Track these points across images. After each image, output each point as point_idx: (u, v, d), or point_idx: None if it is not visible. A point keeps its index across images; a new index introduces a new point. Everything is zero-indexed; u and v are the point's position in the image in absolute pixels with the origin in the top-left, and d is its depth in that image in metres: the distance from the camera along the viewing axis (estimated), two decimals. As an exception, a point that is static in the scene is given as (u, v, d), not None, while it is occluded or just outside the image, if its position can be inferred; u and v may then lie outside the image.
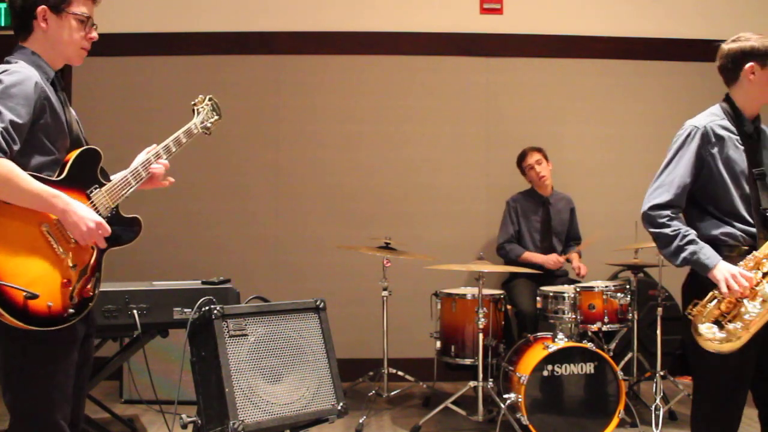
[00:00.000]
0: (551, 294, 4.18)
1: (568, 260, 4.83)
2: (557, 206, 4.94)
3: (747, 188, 2.61)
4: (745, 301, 2.49)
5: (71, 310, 2.12)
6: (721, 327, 2.50)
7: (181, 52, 5.24)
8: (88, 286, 2.19)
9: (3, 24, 5.25)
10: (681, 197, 2.64)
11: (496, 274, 5.02)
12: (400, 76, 5.34)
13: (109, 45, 5.09)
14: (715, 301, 2.53)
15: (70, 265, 2.14)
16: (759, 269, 2.52)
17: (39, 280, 2.05)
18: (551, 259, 4.73)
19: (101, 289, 2.29)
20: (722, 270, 2.50)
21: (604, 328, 4.05)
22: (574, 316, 4.07)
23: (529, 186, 4.96)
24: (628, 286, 4.16)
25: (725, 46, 2.69)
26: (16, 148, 2.04)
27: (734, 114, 2.67)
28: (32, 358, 2.11)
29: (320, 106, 5.32)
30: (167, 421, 3.19)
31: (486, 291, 4.13)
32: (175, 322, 3.26)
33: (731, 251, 2.59)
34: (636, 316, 4.23)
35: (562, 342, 3.80)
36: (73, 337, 2.18)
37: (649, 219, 2.64)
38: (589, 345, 3.79)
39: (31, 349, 2.10)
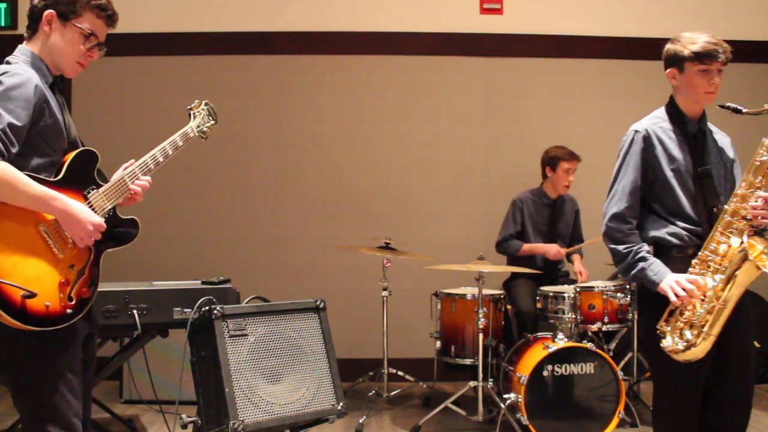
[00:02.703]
0: (551, 294, 4.18)
1: (569, 258, 4.82)
2: (564, 208, 4.88)
3: (692, 187, 2.66)
4: (697, 304, 2.49)
5: (69, 311, 2.11)
6: (682, 336, 2.51)
7: (181, 52, 5.24)
8: (86, 287, 2.18)
9: (3, 24, 5.25)
10: (635, 202, 2.70)
11: (496, 274, 5.01)
12: (400, 76, 5.34)
13: (110, 45, 5.10)
14: (676, 311, 2.55)
15: (68, 265, 2.13)
16: (708, 269, 2.53)
17: (37, 279, 2.03)
18: (553, 249, 4.67)
19: (101, 289, 2.29)
20: (668, 281, 2.54)
21: (604, 328, 4.05)
22: (574, 316, 4.07)
23: (538, 184, 4.86)
24: (628, 286, 4.15)
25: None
26: (14, 150, 2.03)
27: (677, 115, 2.73)
28: (38, 359, 2.10)
29: (320, 106, 5.32)
30: (167, 421, 3.19)
31: (486, 291, 4.13)
32: (175, 322, 3.27)
33: (679, 252, 2.63)
34: (636, 316, 4.23)
35: (562, 342, 3.80)
36: (74, 336, 2.17)
37: (609, 233, 2.70)
38: (589, 345, 3.79)
39: (36, 350, 2.09)
